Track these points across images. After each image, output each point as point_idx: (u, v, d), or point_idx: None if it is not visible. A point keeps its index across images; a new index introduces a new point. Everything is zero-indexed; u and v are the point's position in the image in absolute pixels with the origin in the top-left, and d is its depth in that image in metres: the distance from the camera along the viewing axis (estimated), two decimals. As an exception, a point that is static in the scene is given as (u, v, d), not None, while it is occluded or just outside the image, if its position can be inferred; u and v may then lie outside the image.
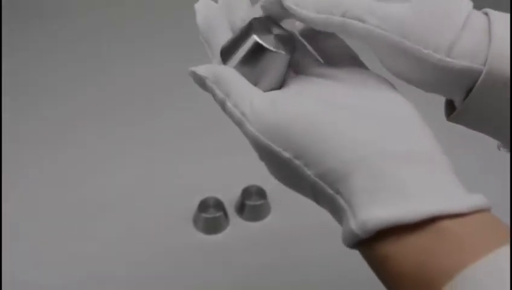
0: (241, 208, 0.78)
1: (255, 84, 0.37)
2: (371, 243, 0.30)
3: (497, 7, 0.38)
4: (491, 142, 0.41)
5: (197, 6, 0.40)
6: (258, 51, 0.36)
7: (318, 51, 0.40)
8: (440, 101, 0.41)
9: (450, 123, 0.40)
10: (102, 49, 1.16)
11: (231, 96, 0.35)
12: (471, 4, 0.36)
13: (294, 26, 0.41)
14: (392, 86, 0.36)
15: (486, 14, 0.36)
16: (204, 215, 0.75)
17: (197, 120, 0.92)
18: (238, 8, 0.40)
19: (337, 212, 0.33)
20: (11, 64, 1.08)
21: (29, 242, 0.73)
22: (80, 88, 1.03)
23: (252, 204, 0.77)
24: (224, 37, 0.39)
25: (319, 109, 0.33)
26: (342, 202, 0.32)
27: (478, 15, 0.36)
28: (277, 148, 0.33)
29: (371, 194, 0.30)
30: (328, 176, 0.32)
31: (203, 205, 0.76)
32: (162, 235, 0.75)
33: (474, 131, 0.40)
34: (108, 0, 1.28)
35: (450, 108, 0.40)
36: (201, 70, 0.37)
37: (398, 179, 0.30)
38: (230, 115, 0.36)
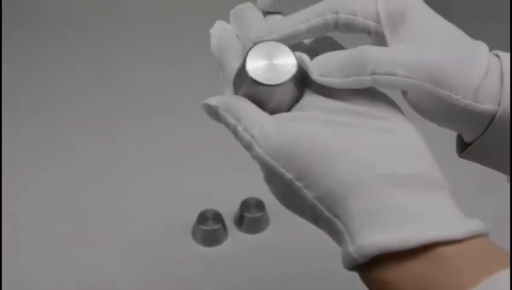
0: (240, 221, 0.78)
1: (264, 109, 0.37)
2: (370, 268, 0.31)
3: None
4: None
5: (212, 30, 0.41)
6: (251, 83, 0.37)
7: None
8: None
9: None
10: (103, 55, 1.16)
11: (242, 121, 0.36)
12: (487, 48, 0.37)
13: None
14: (399, 110, 0.37)
15: (497, 56, 0.38)
16: (203, 227, 0.75)
17: (197, 133, 0.92)
18: (249, 30, 0.40)
19: (336, 235, 0.33)
20: (11, 71, 1.08)
21: (29, 251, 0.73)
22: (80, 97, 1.03)
23: (251, 216, 0.77)
24: (237, 61, 0.39)
25: (321, 131, 0.33)
26: (340, 225, 0.32)
27: (492, 57, 0.37)
28: (281, 169, 0.34)
29: (368, 219, 0.31)
30: (326, 198, 0.32)
31: (202, 217, 0.76)
32: (161, 247, 0.75)
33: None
34: (109, 6, 1.29)
35: (460, 144, 0.41)
36: (213, 100, 0.38)
37: (396, 204, 0.31)
38: (241, 139, 0.36)
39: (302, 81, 0.37)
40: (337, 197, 0.32)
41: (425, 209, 0.30)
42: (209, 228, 0.75)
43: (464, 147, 0.40)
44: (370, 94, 0.36)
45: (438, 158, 0.34)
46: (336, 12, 0.37)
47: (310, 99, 0.37)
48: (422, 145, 0.34)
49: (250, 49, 0.37)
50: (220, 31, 0.41)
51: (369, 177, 0.31)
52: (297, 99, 0.37)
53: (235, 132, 0.37)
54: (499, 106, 0.36)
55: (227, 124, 0.37)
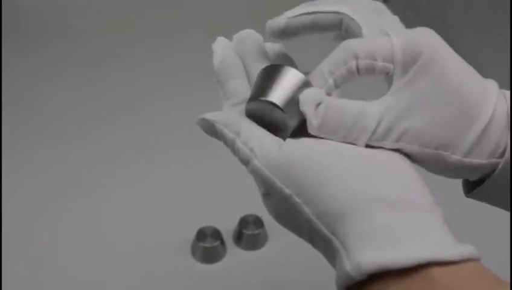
0: (239, 237, 0.78)
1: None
2: (363, 287, 0.31)
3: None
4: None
5: (214, 46, 0.41)
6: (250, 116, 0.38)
7: None
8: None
9: None
10: (102, 71, 1.17)
11: (241, 135, 0.36)
12: (496, 93, 0.37)
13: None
14: None
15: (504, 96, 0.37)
16: (202, 244, 0.75)
17: (195, 149, 0.92)
18: (249, 50, 0.41)
19: (331, 253, 0.34)
20: (11, 86, 1.09)
21: (26, 270, 0.73)
22: (76, 115, 1.04)
23: (250, 233, 0.77)
24: (237, 79, 0.40)
25: (321, 152, 0.35)
26: (337, 243, 0.33)
27: (501, 101, 0.37)
28: (280, 184, 0.34)
29: (364, 238, 0.31)
30: (325, 216, 0.33)
31: (201, 234, 0.76)
32: (160, 264, 0.75)
33: None
34: (111, 23, 1.30)
35: (467, 183, 0.42)
36: (210, 115, 0.38)
37: (392, 225, 0.31)
38: (238, 153, 0.36)
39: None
40: (336, 215, 0.33)
41: (421, 231, 0.31)
42: (208, 245, 0.75)
43: (470, 186, 0.41)
44: None
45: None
46: (357, 58, 0.37)
47: None
48: (415, 172, 0.35)
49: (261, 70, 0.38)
50: (223, 48, 0.41)
51: (364, 200, 0.32)
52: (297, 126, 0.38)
53: (233, 145, 0.37)
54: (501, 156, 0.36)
55: (224, 138, 0.37)
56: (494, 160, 0.36)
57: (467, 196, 0.41)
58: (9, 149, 0.94)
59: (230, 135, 0.37)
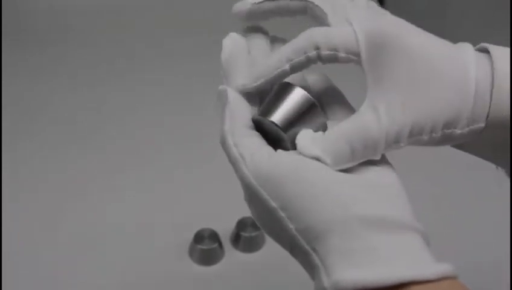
0: (236, 240, 0.78)
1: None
2: None
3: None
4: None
5: (224, 41, 0.42)
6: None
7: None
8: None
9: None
10: (102, 74, 1.18)
11: (235, 135, 0.37)
12: (473, 56, 0.37)
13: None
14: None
15: (486, 49, 0.37)
16: (199, 246, 0.75)
17: (192, 152, 0.93)
18: (256, 54, 0.41)
19: (310, 268, 0.34)
20: (11, 87, 1.09)
21: (25, 271, 0.73)
22: (75, 119, 1.04)
23: (247, 235, 0.77)
24: (242, 75, 0.40)
25: (309, 168, 0.35)
26: (316, 259, 0.33)
27: (482, 60, 0.37)
28: (266, 196, 0.35)
29: (344, 256, 0.32)
30: (307, 232, 0.33)
31: (199, 237, 0.76)
32: (158, 266, 0.75)
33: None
34: (112, 25, 1.30)
35: None
36: (231, 94, 0.38)
37: (372, 244, 0.32)
38: (228, 152, 0.37)
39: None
40: (318, 233, 0.33)
41: (399, 251, 0.32)
42: (205, 247, 0.75)
43: None
44: None
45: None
46: (318, 48, 0.37)
47: None
48: (399, 188, 0.35)
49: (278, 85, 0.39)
50: (232, 43, 0.41)
51: (348, 217, 0.32)
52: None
53: (224, 139, 0.37)
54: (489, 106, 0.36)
55: (222, 122, 0.38)
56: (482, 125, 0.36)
57: (453, 146, 0.41)
58: (9, 149, 0.94)
59: (226, 124, 0.37)
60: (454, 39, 0.39)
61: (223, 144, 0.37)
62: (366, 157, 0.36)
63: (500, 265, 0.71)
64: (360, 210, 0.33)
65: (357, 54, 0.37)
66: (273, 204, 0.34)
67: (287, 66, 0.38)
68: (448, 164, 0.82)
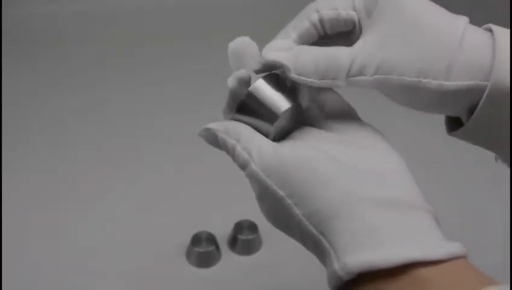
0: (233, 242, 0.79)
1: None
2: (354, 287, 0.32)
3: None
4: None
5: (231, 43, 0.42)
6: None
7: (319, 105, 0.42)
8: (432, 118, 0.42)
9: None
10: (100, 77, 1.18)
11: (241, 141, 0.38)
12: (466, 22, 0.37)
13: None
14: (384, 138, 0.38)
15: (490, 30, 0.37)
16: (197, 249, 0.76)
17: (190, 155, 0.93)
18: (247, 59, 0.42)
19: (321, 254, 0.35)
20: (11, 89, 1.09)
21: (26, 277, 0.73)
22: (73, 122, 1.05)
23: (244, 238, 0.78)
24: (251, 65, 0.41)
25: (313, 156, 0.36)
26: (325, 243, 0.34)
27: (479, 31, 0.37)
28: (274, 186, 0.36)
29: (352, 238, 0.32)
30: (314, 216, 0.34)
31: (196, 239, 0.77)
32: (155, 269, 0.75)
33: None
34: (110, 29, 1.31)
35: (450, 123, 0.42)
36: (212, 125, 0.40)
37: (378, 225, 0.32)
38: (238, 158, 0.38)
39: (297, 115, 0.40)
40: (324, 216, 0.33)
41: (406, 231, 0.32)
42: (203, 250, 0.76)
43: (453, 125, 0.41)
44: (358, 126, 0.39)
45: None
46: (318, 11, 0.39)
47: (304, 131, 0.39)
48: (406, 172, 0.36)
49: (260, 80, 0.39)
50: (240, 42, 0.42)
51: (354, 201, 0.33)
52: (289, 131, 0.40)
53: (233, 151, 0.38)
54: (489, 80, 0.35)
55: (225, 146, 0.39)
56: (478, 82, 0.36)
57: (449, 134, 0.41)
58: (9, 150, 0.94)
59: (230, 141, 0.38)
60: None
61: (232, 154, 0.38)
62: (330, 78, 0.37)
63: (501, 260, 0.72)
64: (367, 192, 0.33)
65: (356, 10, 0.39)
66: (281, 193, 0.35)
67: (293, 35, 0.40)
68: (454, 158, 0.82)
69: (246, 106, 0.39)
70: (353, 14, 0.39)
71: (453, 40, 0.36)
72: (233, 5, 1.43)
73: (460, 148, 0.41)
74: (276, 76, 0.40)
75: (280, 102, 0.39)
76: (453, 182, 0.91)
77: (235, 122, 0.39)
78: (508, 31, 0.37)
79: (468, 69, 0.36)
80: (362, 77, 0.37)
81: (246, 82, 0.40)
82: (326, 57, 0.37)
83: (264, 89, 0.39)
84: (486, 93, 0.36)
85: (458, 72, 0.36)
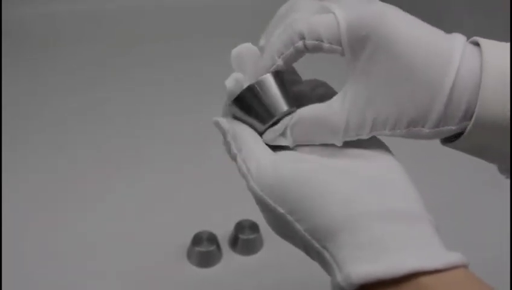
0: (235, 242, 0.78)
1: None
2: None
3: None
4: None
5: (233, 51, 0.42)
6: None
7: None
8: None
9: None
10: (99, 77, 1.18)
11: (242, 152, 0.39)
12: (460, 53, 0.35)
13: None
14: (386, 149, 0.38)
15: (478, 44, 0.36)
16: (198, 249, 0.76)
17: (191, 155, 0.93)
18: (247, 61, 0.41)
19: (325, 265, 0.35)
20: (10, 89, 1.09)
21: (26, 277, 0.73)
22: (72, 122, 1.05)
23: (245, 238, 0.78)
24: (253, 66, 0.41)
25: (312, 169, 0.36)
26: (328, 257, 0.34)
27: (471, 58, 0.35)
28: (273, 204, 0.36)
29: (354, 250, 0.32)
30: (316, 231, 0.34)
31: (197, 239, 0.77)
32: (156, 269, 0.75)
33: None
34: (109, 29, 1.31)
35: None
36: (224, 125, 0.40)
37: (380, 237, 0.32)
38: (239, 168, 0.39)
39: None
40: (326, 231, 0.34)
41: (408, 241, 0.32)
42: (203, 250, 0.76)
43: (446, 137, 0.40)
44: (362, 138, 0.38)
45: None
46: (303, 38, 0.38)
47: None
48: (407, 182, 0.36)
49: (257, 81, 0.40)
50: (243, 48, 0.42)
51: (355, 214, 0.33)
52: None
53: (235, 159, 0.39)
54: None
55: (229, 150, 0.40)
56: (466, 123, 0.35)
57: (443, 144, 0.40)
58: (9, 150, 0.94)
59: (233, 150, 0.39)
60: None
61: (234, 161, 0.39)
62: (326, 142, 0.38)
63: (501, 262, 0.72)
64: (366, 206, 0.33)
65: (340, 44, 0.37)
66: (281, 210, 0.36)
67: (280, 62, 0.39)
68: (449, 161, 0.82)
69: (245, 99, 0.39)
70: (337, 49, 0.37)
71: (444, 88, 0.35)
72: (233, 5, 1.43)
73: (458, 154, 0.41)
74: (282, 76, 0.40)
75: (280, 103, 0.39)
76: (452, 188, 0.91)
77: (241, 126, 0.40)
78: (497, 44, 0.36)
79: (460, 113, 0.35)
80: (360, 137, 0.37)
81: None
82: (319, 127, 0.38)
83: (268, 85, 0.39)
84: (467, 130, 0.35)
85: (450, 117, 0.36)
